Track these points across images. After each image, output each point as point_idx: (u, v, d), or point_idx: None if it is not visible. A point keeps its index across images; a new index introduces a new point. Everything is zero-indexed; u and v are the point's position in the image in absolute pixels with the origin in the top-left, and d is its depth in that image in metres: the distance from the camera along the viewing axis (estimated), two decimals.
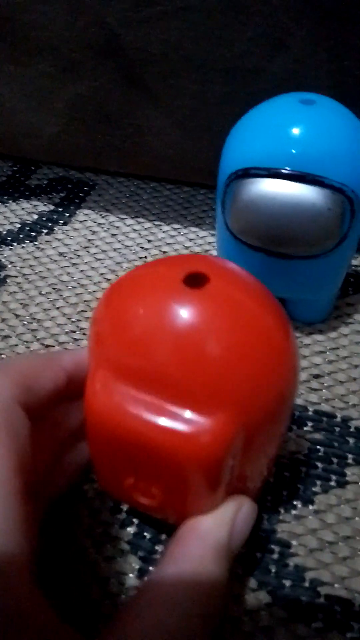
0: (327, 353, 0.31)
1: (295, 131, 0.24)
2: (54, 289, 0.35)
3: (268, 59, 0.27)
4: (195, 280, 0.17)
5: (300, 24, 0.26)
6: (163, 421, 0.17)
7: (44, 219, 0.40)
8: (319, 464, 0.27)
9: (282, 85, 0.28)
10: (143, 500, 0.20)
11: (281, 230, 0.25)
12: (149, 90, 0.30)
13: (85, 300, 0.34)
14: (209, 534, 0.18)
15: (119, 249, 0.38)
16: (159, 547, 0.24)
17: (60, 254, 0.37)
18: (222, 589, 0.18)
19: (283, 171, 0.24)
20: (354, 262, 0.36)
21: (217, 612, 0.18)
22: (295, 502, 0.25)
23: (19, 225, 0.39)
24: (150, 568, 0.23)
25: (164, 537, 0.24)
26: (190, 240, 0.38)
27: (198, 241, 0.38)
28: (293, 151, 0.24)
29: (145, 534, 0.24)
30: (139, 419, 0.17)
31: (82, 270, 0.36)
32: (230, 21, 0.26)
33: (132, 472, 0.19)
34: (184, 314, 0.17)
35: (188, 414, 0.17)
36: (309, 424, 0.28)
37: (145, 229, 0.39)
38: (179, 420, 0.17)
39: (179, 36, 0.28)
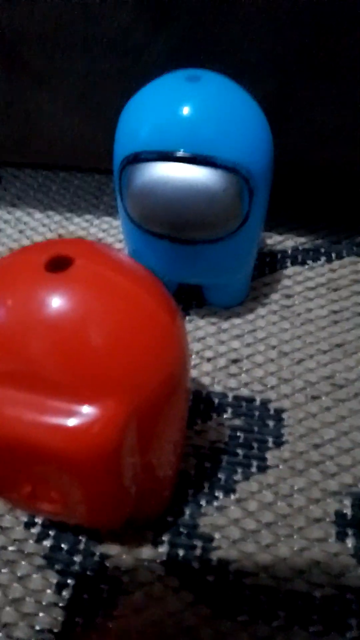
0: (245, 336, 0.31)
1: (183, 111, 0.23)
2: None
3: (152, 33, 0.26)
4: (59, 265, 0.16)
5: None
6: (47, 419, 0.16)
7: None
8: (240, 451, 0.26)
9: (170, 60, 0.26)
10: (45, 506, 0.19)
11: (179, 215, 0.24)
12: (34, 73, 0.28)
13: None
14: None
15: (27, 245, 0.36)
16: (77, 558, 0.23)
17: None
18: None
19: (174, 154, 0.23)
20: (269, 241, 0.36)
21: None
22: (217, 493, 0.25)
23: None
24: (69, 580, 0.22)
25: (82, 546, 0.23)
26: (104, 231, 0.37)
27: (111, 231, 0.37)
28: (182, 132, 0.23)
29: (63, 545, 0.23)
30: (20, 421, 0.16)
31: None
32: None
33: (26, 478, 0.18)
34: (49, 301, 0.15)
35: (73, 407, 0.16)
36: (229, 410, 0.28)
37: (56, 222, 0.37)
38: (65, 415, 0.16)
39: (59, 14, 0.26)
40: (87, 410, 0.16)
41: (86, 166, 0.36)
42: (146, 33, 0.26)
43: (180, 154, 0.23)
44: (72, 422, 0.16)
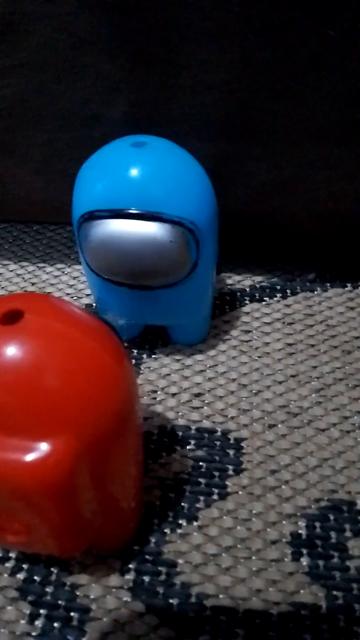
0: (207, 371, 0.33)
1: (130, 173, 0.25)
2: None
3: (106, 104, 0.29)
4: (12, 318, 0.18)
5: (131, 73, 0.28)
6: (6, 455, 0.18)
7: None
8: (202, 480, 0.28)
9: (122, 127, 0.29)
10: (10, 538, 0.20)
11: (133, 265, 0.27)
12: (3, 143, 0.31)
13: None
14: None
15: (1, 295, 0.38)
16: (49, 589, 0.24)
17: None
18: None
19: (124, 211, 0.26)
20: (229, 281, 0.38)
21: None
22: (180, 521, 0.26)
23: None
24: (41, 610, 0.24)
25: (53, 577, 0.25)
26: (74, 278, 0.39)
27: (82, 278, 0.39)
28: (131, 192, 0.25)
29: (35, 577, 0.25)
30: None
31: None
32: (65, 75, 0.28)
33: None
34: (2, 350, 0.18)
35: (30, 443, 0.18)
36: (192, 442, 0.29)
37: (29, 272, 0.40)
38: (22, 451, 0.18)
39: (20, 91, 0.29)
40: (42, 446, 0.18)
41: (56, 220, 0.39)
42: (99, 105, 0.29)
43: (130, 211, 0.26)
44: (29, 457, 0.18)
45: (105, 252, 0.27)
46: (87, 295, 0.38)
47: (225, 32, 0.26)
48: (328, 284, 0.38)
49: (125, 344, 0.34)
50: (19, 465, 0.18)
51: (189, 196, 0.26)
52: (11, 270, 0.40)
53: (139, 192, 0.25)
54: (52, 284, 0.39)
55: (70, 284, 0.39)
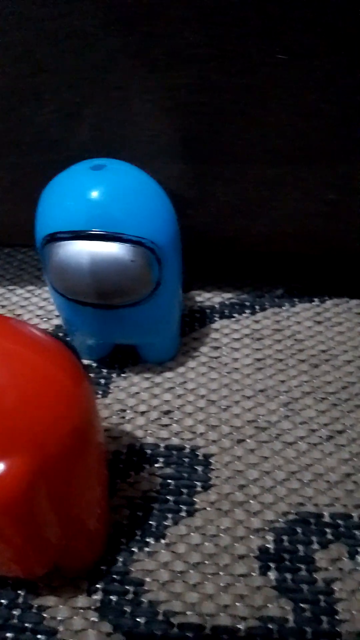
0: (176, 388, 0.33)
1: (90, 195, 0.26)
2: None
3: (68, 129, 0.29)
4: None
5: (89, 99, 0.28)
6: None
7: None
8: (170, 497, 0.28)
9: (85, 151, 0.30)
10: None
11: (95, 285, 0.27)
12: None
13: None
14: None
15: None
16: (16, 612, 0.24)
17: None
18: None
19: (85, 232, 0.26)
20: (199, 298, 0.39)
21: None
22: (148, 539, 0.26)
23: None
24: (7, 634, 0.23)
25: (20, 600, 0.24)
26: (45, 299, 0.40)
27: (52, 299, 0.39)
28: (91, 213, 0.26)
29: (2, 600, 0.24)
30: None
31: None
32: (25, 102, 0.29)
33: None
34: None
35: None
36: (160, 460, 0.30)
37: None
38: None
39: None
40: None
41: (25, 243, 0.39)
42: (62, 130, 0.29)
43: (91, 232, 0.26)
44: None
45: (68, 272, 0.27)
46: (57, 316, 0.38)
47: (181, 58, 0.27)
48: (296, 300, 0.39)
49: (95, 364, 0.34)
50: None
51: (148, 216, 0.27)
52: None
53: (99, 214, 0.26)
54: (23, 306, 0.39)
55: (40, 306, 0.39)
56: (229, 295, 0.39)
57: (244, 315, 0.38)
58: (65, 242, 0.26)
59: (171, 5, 0.25)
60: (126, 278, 0.27)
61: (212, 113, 0.29)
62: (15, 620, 0.24)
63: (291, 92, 0.28)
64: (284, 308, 0.38)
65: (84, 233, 0.26)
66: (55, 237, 0.27)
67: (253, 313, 0.38)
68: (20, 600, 0.24)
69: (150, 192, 0.27)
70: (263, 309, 0.38)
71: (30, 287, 0.40)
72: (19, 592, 0.25)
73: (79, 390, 0.20)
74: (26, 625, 0.24)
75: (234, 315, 0.38)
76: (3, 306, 0.39)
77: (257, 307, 0.38)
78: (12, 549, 0.19)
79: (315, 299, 0.39)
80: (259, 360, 0.35)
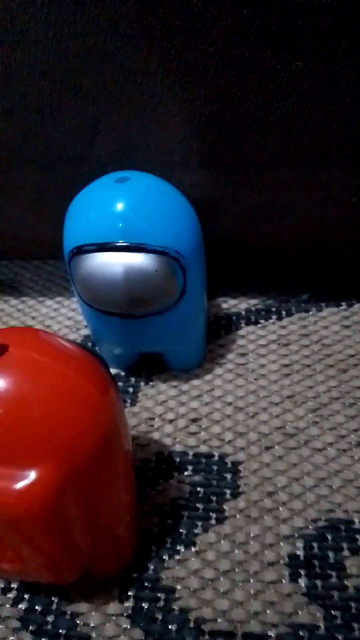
0: (204, 396, 0.33)
1: (115, 208, 0.26)
2: None
3: (90, 144, 0.30)
4: None
5: (109, 113, 0.29)
6: None
7: None
8: (199, 505, 0.28)
9: (107, 164, 0.30)
10: (5, 566, 0.21)
11: (121, 295, 0.27)
12: None
13: None
14: None
15: None
16: (49, 618, 0.25)
17: None
18: None
19: (110, 244, 0.27)
20: (224, 305, 0.39)
21: None
22: (178, 547, 0.27)
23: None
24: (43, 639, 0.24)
25: (54, 606, 0.25)
26: (73, 310, 0.40)
27: (80, 310, 0.40)
28: (116, 225, 0.26)
29: (37, 607, 0.25)
30: None
31: None
32: (47, 119, 0.29)
33: None
34: None
35: (17, 472, 0.18)
36: (189, 467, 0.30)
37: (30, 306, 0.41)
38: (10, 479, 0.18)
39: (8, 136, 0.30)
40: (29, 474, 0.18)
41: (53, 255, 0.40)
42: (84, 144, 0.30)
43: (116, 244, 0.27)
44: (17, 485, 0.18)
45: (94, 283, 0.28)
46: (85, 326, 0.39)
47: (198, 68, 0.27)
48: (323, 304, 0.38)
49: (123, 373, 0.35)
50: (7, 492, 0.18)
51: (172, 226, 0.27)
52: (12, 305, 0.41)
53: (123, 226, 0.26)
54: (52, 317, 0.40)
55: (69, 316, 0.40)
56: (254, 301, 0.39)
57: (270, 321, 0.38)
58: (91, 254, 0.27)
59: (188, 18, 0.25)
60: (151, 288, 0.27)
61: (231, 120, 0.29)
62: (49, 627, 0.24)
63: (309, 98, 0.28)
64: (310, 313, 0.38)
65: (110, 245, 0.27)
66: (82, 250, 0.27)
67: (279, 318, 0.38)
68: (54, 606, 0.25)
69: (173, 201, 0.28)
70: (289, 314, 0.38)
71: (59, 298, 0.41)
72: (53, 598, 0.25)
73: (106, 400, 0.20)
74: (60, 631, 0.24)
75: (260, 321, 0.38)
76: (33, 317, 0.40)
77: (283, 312, 0.38)
78: (42, 556, 0.20)
79: (343, 303, 0.38)
80: (286, 366, 0.35)
